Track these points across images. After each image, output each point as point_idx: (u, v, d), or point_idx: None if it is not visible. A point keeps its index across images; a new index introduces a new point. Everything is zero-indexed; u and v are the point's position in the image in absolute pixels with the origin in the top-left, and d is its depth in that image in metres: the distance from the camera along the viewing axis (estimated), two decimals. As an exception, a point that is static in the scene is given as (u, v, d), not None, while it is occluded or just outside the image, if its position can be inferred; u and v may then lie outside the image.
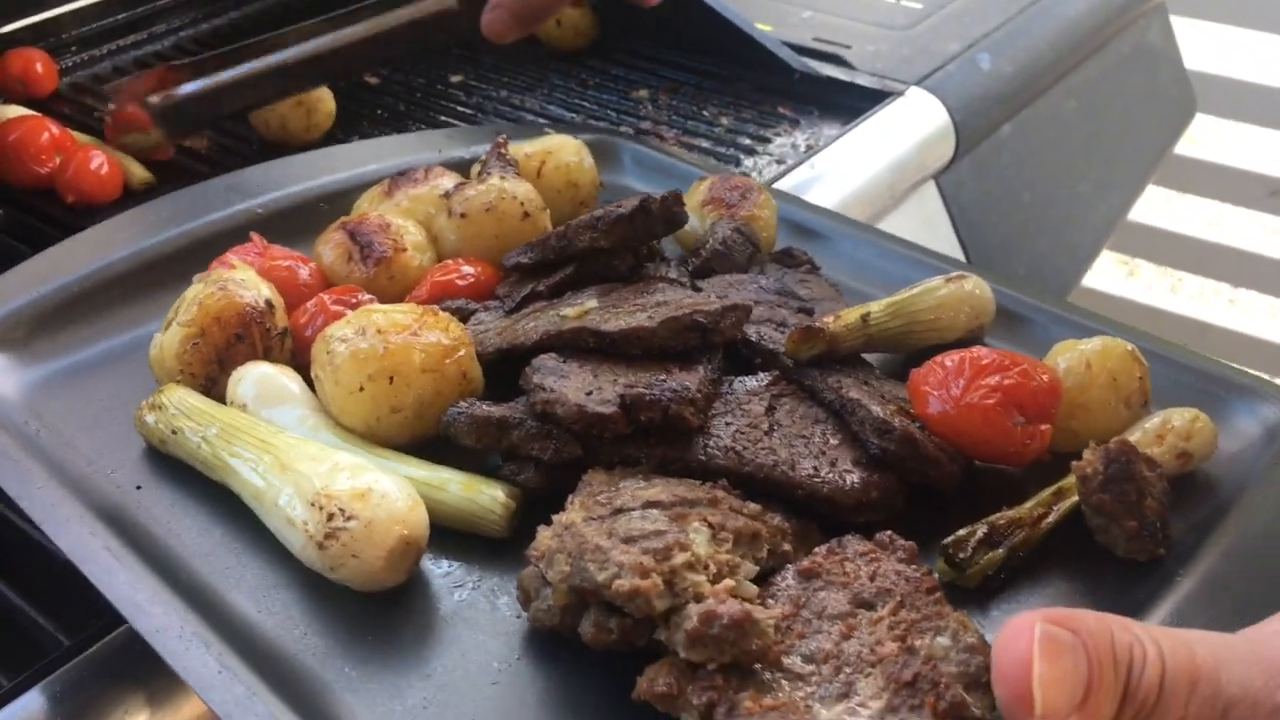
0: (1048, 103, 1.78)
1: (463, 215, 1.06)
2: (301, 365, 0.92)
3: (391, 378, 0.84)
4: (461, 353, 0.87)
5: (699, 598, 0.66)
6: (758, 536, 0.73)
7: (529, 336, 0.89)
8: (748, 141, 1.53)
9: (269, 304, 0.93)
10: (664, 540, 0.68)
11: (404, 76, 1.68)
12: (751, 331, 0.93)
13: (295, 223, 1.15)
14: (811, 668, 0.66)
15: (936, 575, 0.77)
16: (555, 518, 0.73)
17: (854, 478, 0.80)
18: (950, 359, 0.85)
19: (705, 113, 1.59)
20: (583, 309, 0.91)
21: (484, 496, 0.80)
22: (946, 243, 1.57)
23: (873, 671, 0.65)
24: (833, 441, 0.83)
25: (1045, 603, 0.76)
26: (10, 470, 0.83)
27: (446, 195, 1.08)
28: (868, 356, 0.96)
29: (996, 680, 0.56)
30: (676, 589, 0.66)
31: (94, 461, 0.87)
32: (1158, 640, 0.57)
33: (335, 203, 1.18)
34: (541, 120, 1.58)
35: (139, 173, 1.38)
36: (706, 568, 0.68)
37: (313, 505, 0.74)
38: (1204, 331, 2.74)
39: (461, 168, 1.20)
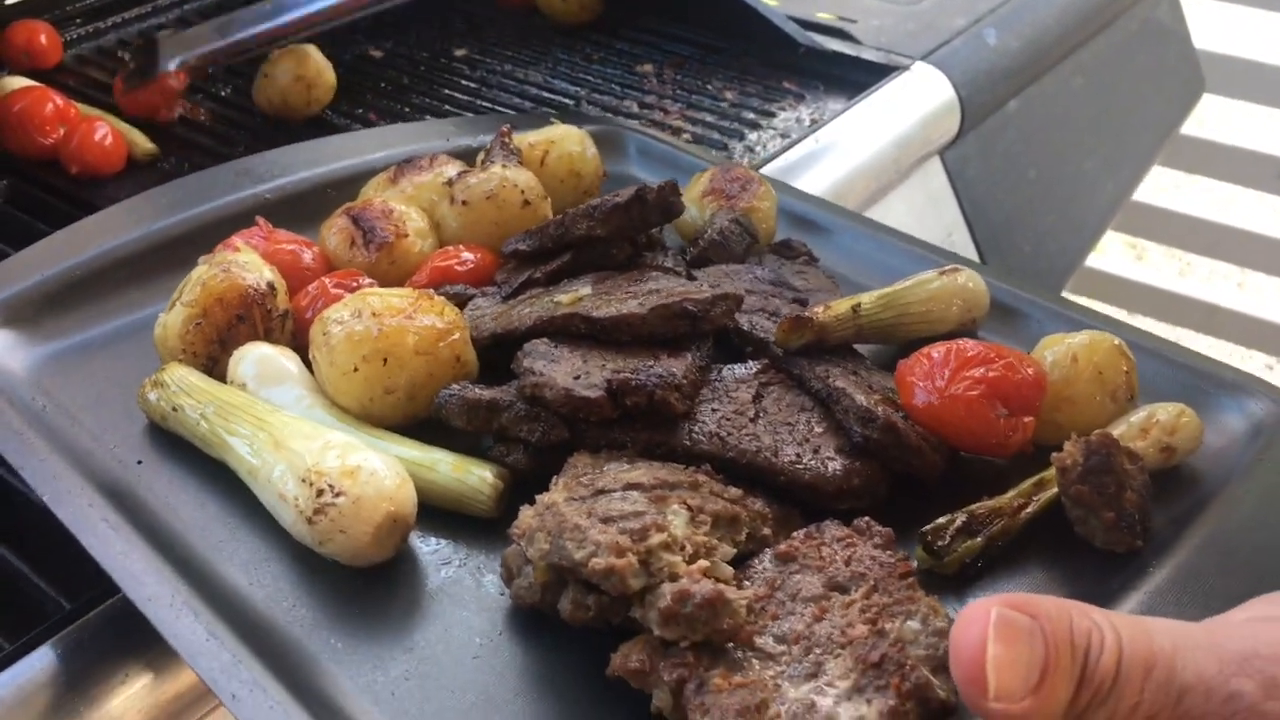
0: (1054, 79, 1.78)
1: (464, 202, 1.07)
2: (303, 346, 0.94)
3: (385, 359, 0.86)
4: (455, 336, 0.89)
5: (674, 577, 0.67)
6: (737, 520, 0.75)
7: (523, 322, 0.91)
8: (752, 116, 1.53)
9: (271, 286, 0.95)
10: (642, 521, 0.70)
11: (407, 50, 1.69)
12: (744, 320, 0.95)
13: (304, 208, 1.17)
14: (783, 648, 0.67)
15: (914, 561, 0.78)
16: (538, 497, 0.74)
17: (836, 465, 0.81)
18: (937, 350, 0.86)
19: (710, 87, 1.59)
20: (576, 295, 0.92)
21: (473, 477, 0.82)
22: (951, 219, 1.57)
23: (842, 653, 0.66)
24: (817, 429, 0.84)
25: (1023, 590, 0.77)
26: (15, 444, 0.86)
27: (449, 183, 1.10)
28: (861, 348, 0.97)
29: (953, 663, 0.57)
30: (652, 568, 0.68)
31: (98, 437, 0.90)
32: (1116, 626, 0.58)
33: (343, 189, 1.20)
34: (545, 94, 1.59)
35: (143, 144, 1.40)
36: (683, 548, 0.70)
37: (303, 482, 0.76)
38: (1212, 314, 2.72)
39: (468, 156, 1.22)
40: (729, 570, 0.70)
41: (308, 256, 1.04)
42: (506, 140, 1.16)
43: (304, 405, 0.87)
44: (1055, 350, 0.89)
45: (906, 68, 1.60)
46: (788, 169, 1.42)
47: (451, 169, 1.15)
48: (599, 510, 0.71)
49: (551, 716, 0.68)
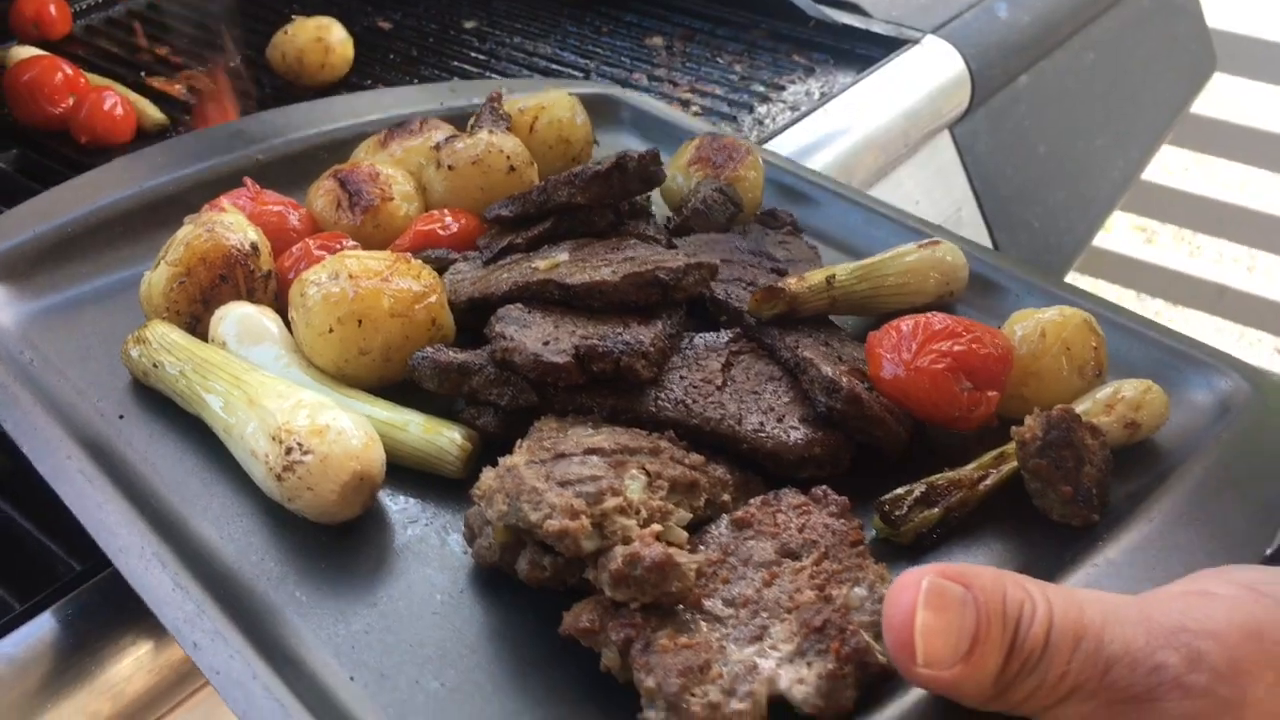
0: (1065, 54, 1.76)
1: (450, 167, 1.08)
2: (286, 307, 0.95)
3: (360, 321, 0.87)
4: (432, 299, 0.90)
5: (627, 541, 0.69)
6: (696, 486, 0.76)
7: (499, 287, 0.92)
8: (761, 89, 1.53)
9: (254, 247, 0.96)
10: (598, 485, 0.71)
11: (416, 22, 1.70)
12: (720, 290, 0.95)
13: (296, 170, 1.18)
14: (730, 611, 0.69)
15: (873, 531, 0.80)
16: (501, 460, 0.76)
17: (799, 434, 0.82)
18: (906, 323, 0.87)
19: (719, 60, 1.59)
20: (553, 262, 0.93)
21: (442, 438, 0.83)
22: (960, 194, 1.57)
23: (788, 617, 0.68)
24: (784, 399, 0.85)
25: (977, 561, 0.78)
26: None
27: (437, 147, 1.11)
28: (840, 320, 0.98)
29: (884, 628, 0.59)
30: (605, 531, 0.69)
31: (81, 391, 0.92)
32: (1049, 598, 0.59)
33: (336, 151, 1.21)
34: (554, 67, 1.59)
35: (152, 114, 1.42)
36: (638, 513, 0.71)
37: (274, 439, 0.78)
38: (1221, 294, 2.71)
39: (461, 120, 1.22)
40: (683, 535, 0.72)
41: (294, 218, 1.05)
42: (496, 105, 1.17)
43: (282, 365, 0.89)
44: (1024, 325, 0.89)
45: (917, 41, 1.59)
46: (796, 142, 1.43)
47: (441, 134, 1.16)
48: (557, 474, 0.72)
49: (505, 671, 0.70)
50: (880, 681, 0.65)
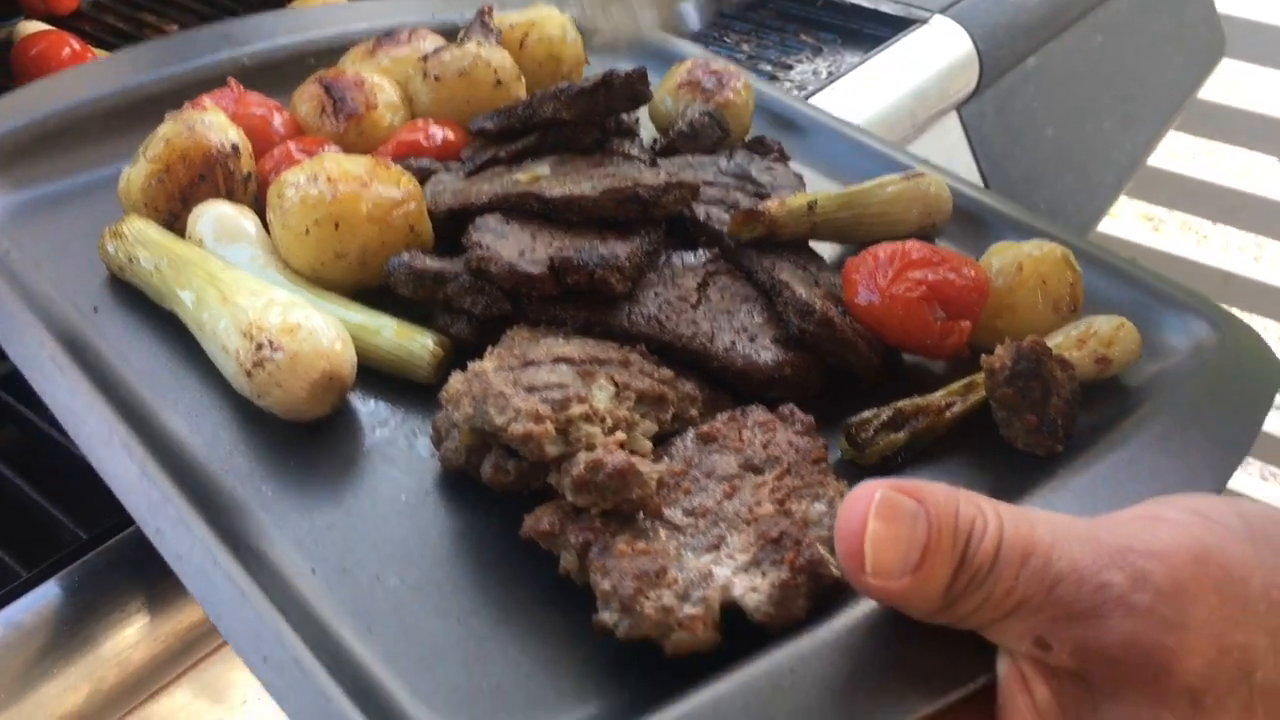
0: (1074, 36, 1.74)
1: (436, 78, 1.07)
2: (263, 209, 0.95)
3: (337, 224, 0.87)
4: (411, 206, 0.90)
5: (591, 448, 0.69)
6: (663, 399, 0.76)
7: (479, 197, 0.92)
8: (768, 68, 1.53)
9: (234, 147, 0.96)
10: (565, 392, 0.72)
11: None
12: (701, 211, 0.95)
13: (282, 75, 1.17)
14: (690, 521, 0.69)
15: (838, 453, 0.80)
16: (470, 365, 0.76)
17: (770, 354, 0.82)
18: (883, 250, 0.87)
19: (727, 39, 1.59)
20: (534, 175, 0.93)
21: (415, 343, 0.83)
22: (967, 175, 1.56)
23: (746, 529, 0.68)
24: (758, 319, 0.85)
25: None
26: (-26, 284, 0.88)
27: (424, 58, 1.10)
28: (820, 247, 0.98)
29: (836, 537, 0.59)
30: (570, 437, 0.70)
31: (57, 284, 0.92)
32: (1000, 514, 0.59)
33: (324, 59, 1.20)
34: None
35: None
36: (604, 421, 0.72)
37: (245, 335, 0.78)
38: (1227, 281, 2.70)
39: (452, 33, 1.21)
40: (647, 445, 0.72)
41: (277, 121, 1.05)
42: (487, 19, 1.16)
43: (258, 265, 0.89)
44: (1002, 257, 0.89)
45: (925, 21, 1.58)
46: None
47: (431, 44, 1.15)
48: (524, 380, 0.73)
49: (465, 571, 0.71)
50: (833, 594, 0.66)
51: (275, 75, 1.17)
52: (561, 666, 0.65)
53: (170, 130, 0.95)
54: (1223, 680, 0.55)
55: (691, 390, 0.79)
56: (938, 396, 0.82)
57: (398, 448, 0.80)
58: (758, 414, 0.76)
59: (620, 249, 0.85)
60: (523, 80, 1.10)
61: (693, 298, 0.86)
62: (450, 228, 0.93)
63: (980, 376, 0.83)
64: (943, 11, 1.59)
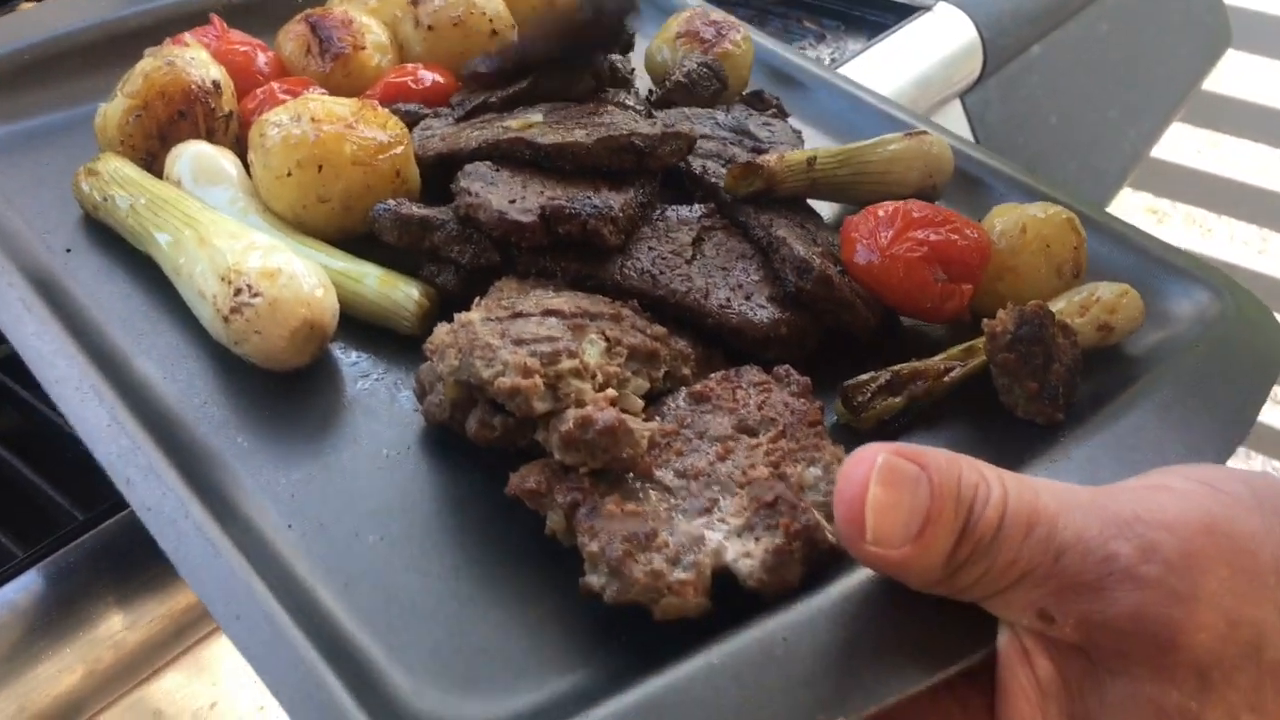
0: (1079, 24, 1.72)
1: (429, 28, 1.04)
2: (244, 151, 0.92)
3: (320, 166, 0.84)
4: (398, 151, 0.87)
5: (580, 404, 0.67)
6: (655, 356, 0.74)
7: (469, 143, 0.89)
8: None
9: (216, 85, 0.92)
10: (554, 346, 0.69)
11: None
12: (697, 165, 0.92)
13: (266, 13, 1.14)
14: (682, 483, 0.67)
15: (834, 416, 0.78)
16: (456, 316, 0.73)
17: (765, 313, 0.80)
18: (884, 209, 0.84)
19: None
20: (526, 122, 0.90)
21: (399, 293, 0.81)
22: None
23: (740, 492, 0.66)
24: (753, 277, 0.83)
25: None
26: (-59, 220, 0.84)
27: (414, 2, 1.06)
28: (819, 207, 0.95)
29: (835, 503, 0.57)
30: (559, 393, 0.67)
31: (30, 222, 0.88)
32: (1004, 482, 0.57)
33: (310, -1, 1.16)
34: None
35: None
36: (594, 377, 0.69)
37: (223, 280, 0.75)
38: (1230, 273, 2.68)
39: (443, -25, 1.17)
40: (638, 403, 0.70)
41: (261, 60, 1.01)
42: (479, -40, 1.12)
43: (237, 208, 0.86)
44: (1005, 219, 0.87)
45: (929, 8, 1.55)
46: None
47: (421, -15, 1.11)
48: (513, 332, 0.70)
49: (446, 529, 0.68)
50: (828, 561, 0.64)
51: (260, 13, 1.13)
52: (546, 630, 0.63)
53: (149, 66, 0.91)
54: (1231, 655, 0.53)
55: (684, 348, 0.77)
56: (936, 360, 0.80)
57: (379, 400, 0.77)
58: (752, 374, 0.74)
59: (614, 199, 0.82)
60: (516, 29, 1.07)
61: (687, 253, 0.83)
62: (439, 175, 0.90)
63: (980, 341, 0.81)
64: (947, -2, 1.57)
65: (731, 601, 0.61)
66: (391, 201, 0.84)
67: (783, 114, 1.08)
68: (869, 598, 0.61)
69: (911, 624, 0.59)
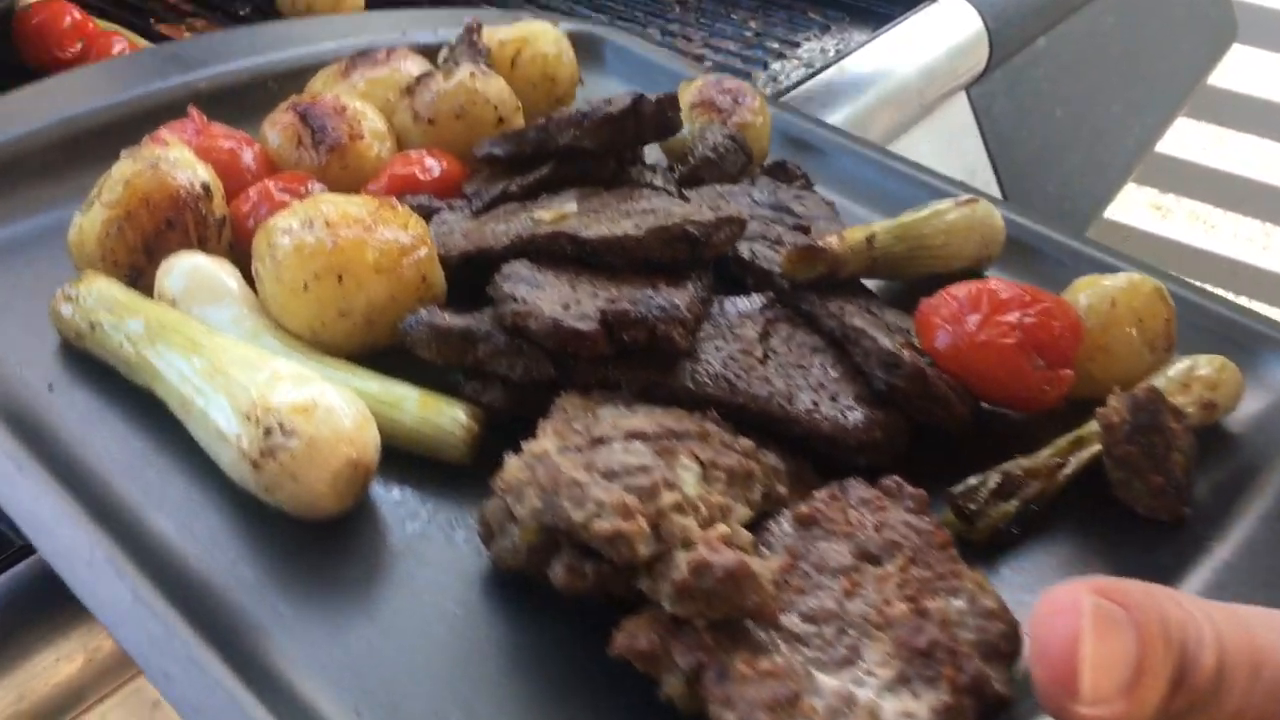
0: (1085, 17, 1.72)
1: (430, 121, 0.95)
2: (241, 259, 0.82)
3: (340, 276, 0.74)
4: (422, 253, 0.78)
5: (688, 544, 0.58)
6: (751, 476, 0.65)
7: (499, 240, 0.80)
8: (776, 46, 1.49)
9: (206, 188, 0.82)
10: (650, 477, 0.60)
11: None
12: (744, 249, 0.85)
13: (240, 103, 1.04)
14: (812, 628, 0.58)
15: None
16: (525, 445, 0.64)
17: (857, 415, 0.72)
18: (964, 290, 0.77)
19: (734, 16, 1.57)
20: (560, 213, 0.81)
21: (444, 417, 0.71)
22: (975, 156, 1.53)
23: (880, 635, 0.58)
24: (833, 374, 0.75)
25: (1060, 564, 0.69)
26: (-101, 361, 0.73)
27: (409, 91, 0.97)
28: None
29: (1036, 658, 0.49)
30: (663, 533, 0.58)
31: (1, 355, 0.77)
32: (1212, 618, 0.50)
33: (286, 83, 1.07)
34: (564, 13, 1.50)
35: None
36: (696, 510, 0.60)
37: (248, 418, 0.65)
38: (1234, 270, 2.68)
39: (428, 53, 1.09)
40: (748, 536, 0.61)
41: (248, 156, 0.91)
42: (475, 38, 1.04)
43: (244, 328, 0.76)
44: (1090, 293, 0.80)
45: None
46: (810, 99, 1.35)
47: (411, 64, 1.03)
48: (599, 463, 0.61)
49: (544, 701, 0.59)
50: (992, 715, 0.56)
51: (234, 102, 1.03)
52: (683, 821, 0.54)
53: (129, 170, 0.81)
54: None
55: (775, 463, 0.68)
56: (1045, 457, 0.73)
57: (434, 545, 0.67)
58: (861, 490, 0.66)
59: (678, 297, 0.74)
60: (521, 110, 0.98)
61: (757, 351, 0.75)
62: (463, 276, 0.81)
63: (1086, 430, 0.74)
64: (952, -11, 1.55)
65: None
66: (424, 312, 0.74)
67: (809, 184, 1.01)
68: (1059, 760, 0.52)
69: (1116, 788, 0.51)
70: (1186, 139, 2.72)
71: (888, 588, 0.60)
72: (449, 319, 0.74)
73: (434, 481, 0.71)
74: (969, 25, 1.50)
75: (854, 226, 0.87)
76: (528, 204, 0.86)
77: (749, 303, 0.80)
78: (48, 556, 0.61)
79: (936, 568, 0.61)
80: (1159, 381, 0.77)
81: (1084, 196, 1.72)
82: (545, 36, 1.06)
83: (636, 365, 0.72)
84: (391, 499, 0.70)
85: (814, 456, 0.72)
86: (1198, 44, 2.01)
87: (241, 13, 1.52)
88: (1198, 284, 0.90)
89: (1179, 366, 0.79)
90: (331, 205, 0.77)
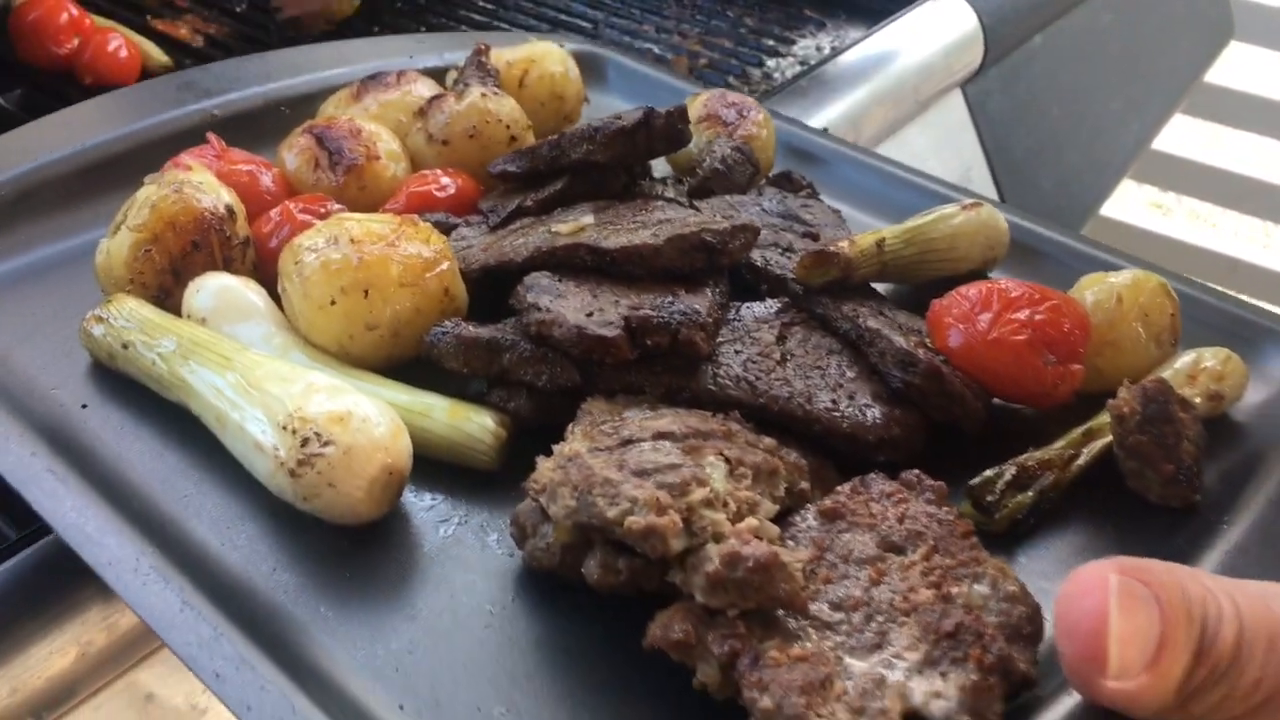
0: (1082, 14, 1.73)
1: (444, 142, 0.97)
2: (263, 279, 0.84)
3: (366, 291, 0.76)
4: (444, 267, 0.80)
5: (718, 538, 0.60)
6: (776, 473, 0.67)
7: (518, 253, 0.82)
8: (771, 43, 1.51)
9: (230, 210, 0.84)
10: (680, 474, 0.62)
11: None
12: (756, 256, 0.87)
13: (255, 127, 1.07)
14: (840, 615, 0.60)
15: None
16: (556, 448, 0.66)
17: (875, 413, 0.74)
18: (974, 290, 0.79)
19: (729, 13, 1.57)
20: (578, 225, 0.83)
21: (472, 425, 0.73)
22: (970, 154, 1.53)
23: (907, 620, 0.59)
24: (849, 374, 0.77)
25: (1075, 551, 0.71)
26: (-61, 384, 0.75)
27: (422, 113, 0.99)
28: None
29: (1065, 636, 0.51)
30: (694, 528, 0.60)
31: (34, 377, 0.79)
32: (1232, 594, 0.52)
33: (298, 107, 1.09)
34: (563, 17, 1.52)
35: (157, 56, 1.36)
36: (725, 505, 0.62)
37: (285, 429, 0.67)
38: (1234, 267, 2.69)
39: (435, 76, 1.11)
40: (775, 530, 0.63)
41: (267, 179, 0.93)
42: (484, 60, 1.06)
43: (274, 344, 0.78)
44: (1097, 290, 0.82)
45: None
46: (805, 96, 1.36)
47: (422, 86, 1.05)
48: (630, 462, 0.63)
49: (581, 694, 0.60)
50: (1018, 693, 0.57)
51: (247, 128, 1.06)
52: (719, 803, 0.55)
53: (155, 195, 0.83)
54: None
55: (797, 460, 0.70)
56: (1059, 449, 0.75)
57: (468, 547, 0.69)
58: (882, 484, 0.68)
59: (698, 303, 0.76)
60: (531, 128, 1.01)
61: (775, 353, 0.77)
62: (483, 289, 0.83)
63: (1097, 422, 0.76)
64: (949, -13, 1.57)
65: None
66: (449, 324, 0.76)
67: (814, 193, 1.03)
68: (1087, 733, 0.54)
69: (1143, 760, 0.53)
70: (1185, 137, 2.74)
71: (912, 575, 0.62)
72: (474, 330, 0.76)
73: (464, 488, 0.73)
74: (964, 22, 1.52)
75: (864, 232, 0.89)
76: (543, 218, 0.88)
77: (765, 308, 0.82)
78: (96, 568, 0.63)
79: (959, 555, 0.63)
80: (1166, 374, 0.80)
81: (1080, 194, 1.73)
82: (552, 56, 1.08)
83: (660, 370, 0.74)
84: (424, 505, 0.71)
85: (834, 455, 0.74)
86: (1195, 41, 2.02)
87: (237, 9, 1.54)
88: (1200, 280, 0.91)
89: (1185, 359, 0.81)
90: (355, 223, 0.79)
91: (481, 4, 1.55)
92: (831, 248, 0.83)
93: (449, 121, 0.98)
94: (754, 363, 0.76)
